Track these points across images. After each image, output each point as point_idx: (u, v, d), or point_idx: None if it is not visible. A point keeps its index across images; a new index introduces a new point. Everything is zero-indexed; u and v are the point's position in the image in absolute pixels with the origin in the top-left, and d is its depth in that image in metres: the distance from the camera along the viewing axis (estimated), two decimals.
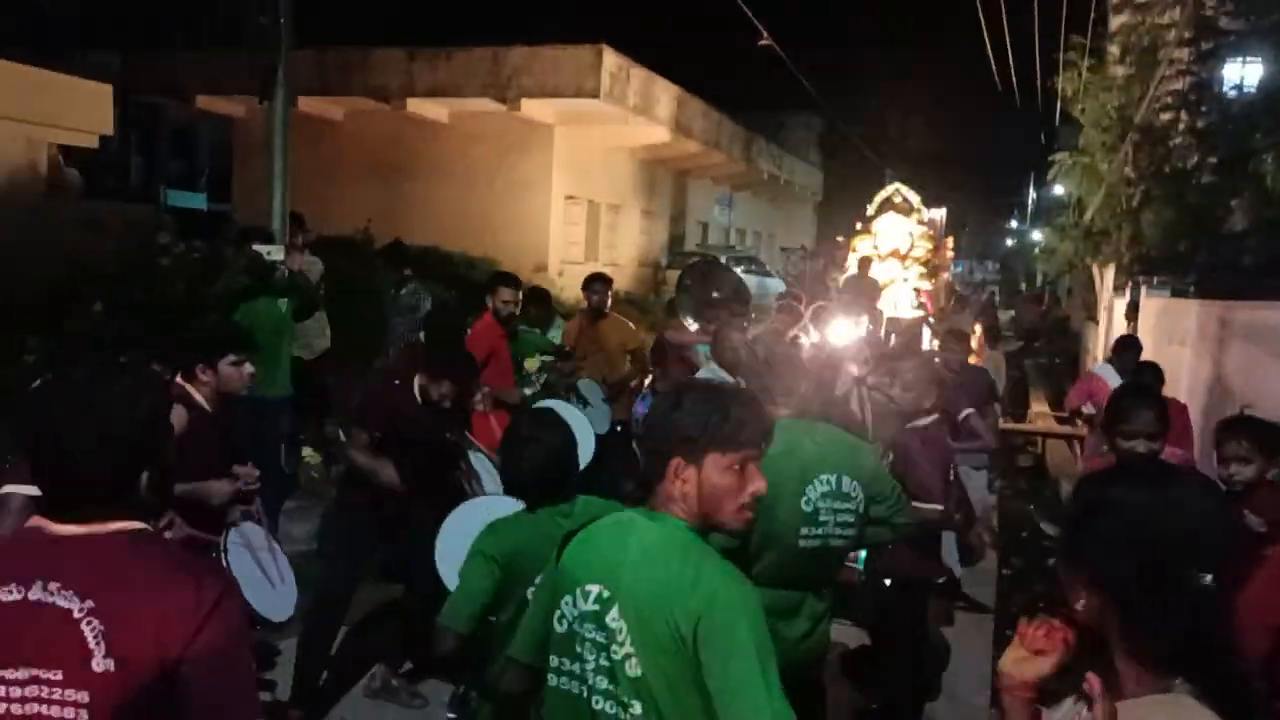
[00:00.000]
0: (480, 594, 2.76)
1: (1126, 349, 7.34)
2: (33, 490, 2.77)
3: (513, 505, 4.12)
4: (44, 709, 1.57)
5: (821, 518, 3.12)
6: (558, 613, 2.02)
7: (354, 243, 15.12)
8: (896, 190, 15.62)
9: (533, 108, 19.15)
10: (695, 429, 2.00)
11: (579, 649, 1.97)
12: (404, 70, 19.32)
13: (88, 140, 15.54)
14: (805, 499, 3.09)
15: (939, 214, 16.18)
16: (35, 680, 1.58)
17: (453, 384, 4.38)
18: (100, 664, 1.57)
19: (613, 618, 1.91)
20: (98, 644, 1.58)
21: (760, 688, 1.79)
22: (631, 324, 7.40)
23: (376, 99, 19.48)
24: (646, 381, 6.33)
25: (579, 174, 21.30)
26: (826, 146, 38.19)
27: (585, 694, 1.95)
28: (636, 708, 1.86)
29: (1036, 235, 28.45)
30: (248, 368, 3.79)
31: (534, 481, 2.89)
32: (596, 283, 7.07)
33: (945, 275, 15.85)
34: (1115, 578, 1.45)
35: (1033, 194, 44.42)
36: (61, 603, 1.59)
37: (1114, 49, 13.68)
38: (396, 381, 4.51)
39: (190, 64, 20.13)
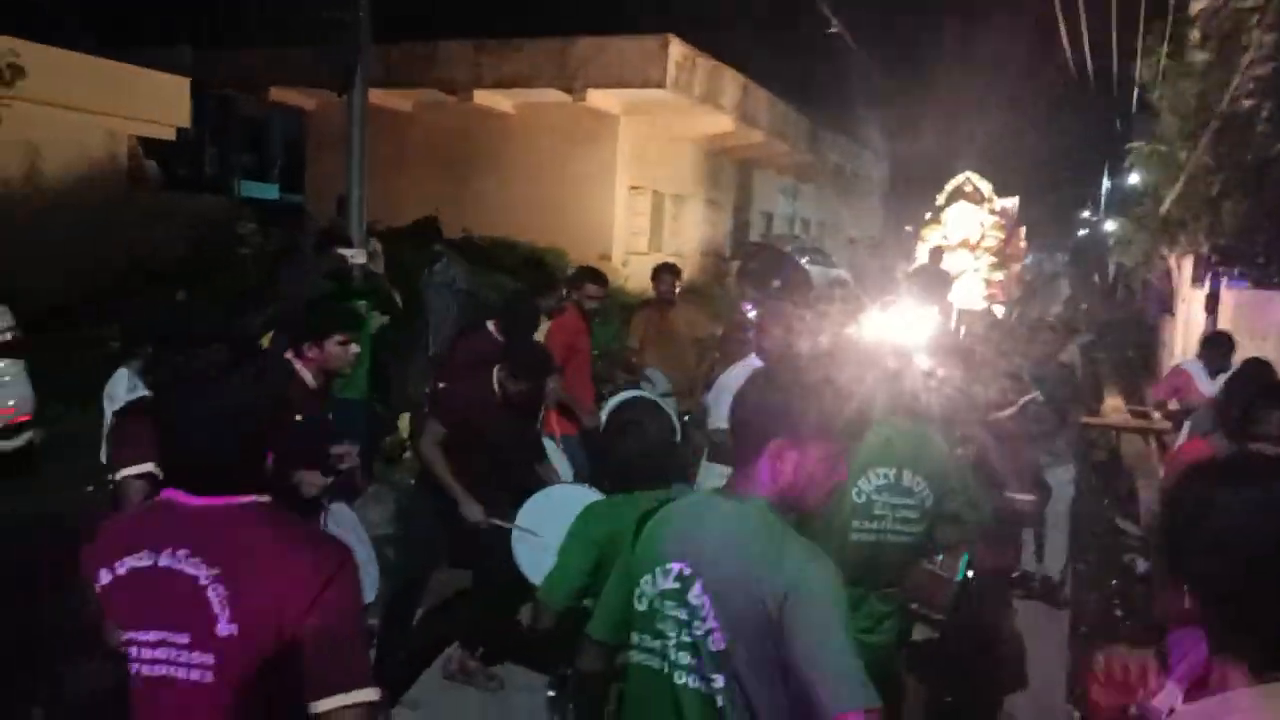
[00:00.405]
0: (577, 573, 2.83)
1: (1216, 345, 7.08)
2: (145, 468, 2.89)
3: (586, 492, 4.19)
4: (172, 670, 1.67)
5: (876, 511, 3.07)
6: (637, 591, 2.06)
7: (424, 222, 15.31)
8: (967, 179, 15.39)
9: (598, 98, 19.19)
10: (810, 413, 2.00)
11: (660, 626, 2.01)
12: (471, 62, 19.49)
13: (165, 133, 15.95)
14: (857, 490, 3.05)
15: (1011, 203, 15.90)
16: (164, 643, 1.67)
17: (533, 383, 4.41)
18: (225, 628, 1.67)
19: (695, 595, 1.94)
20: (222, 609, 1.67)
21: (852, 665, 1.81)
22: (700, 313, 7.40)
23: (444, 91, 19.68)
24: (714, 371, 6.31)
25: (643, 164, 21.31)
26: (894, 136, 37.73)
27: (667, 669, 1.99)
28: (719, 681, 1.90)
29: (1110, 226, 27.81)
30: (353, 348, 3.85)
31: (635, 468, 2.94)
32: (665, 272, 7.08)
33: (1017, 266, 15.57)
34: (1219, 576, 1.42)
35: (1106, 184, 43.40)
36: (189, 570, 1.69)
37: (1195, 34, 13.29)
38: (470, 374, 4.55)
39: (263, 57, 20.51)
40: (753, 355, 4.81)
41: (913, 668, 4.45)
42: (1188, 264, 14.22)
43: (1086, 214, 51.90)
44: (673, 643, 1.98)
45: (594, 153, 20.13)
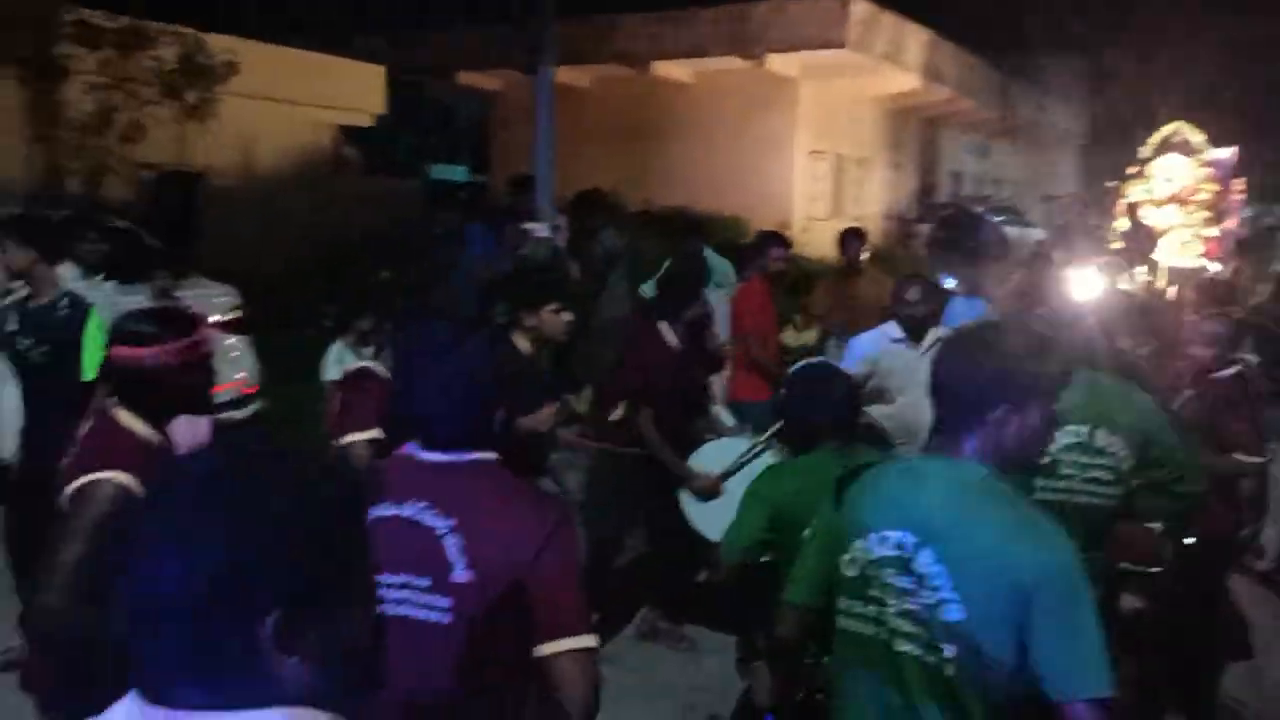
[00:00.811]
0: (751, 531, 2.92)
1: None
2: (370, 434, 3.13)
3: (746, 444, 4.31)
4: (415, 612, 1.83)
5: (1063, 470, 2.97)
6: (846, 557, 2.04)
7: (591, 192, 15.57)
8: (1177, 129, 14.37)
9: (778, 62, 18.96)
10: (1033, 378, 1.97)
11: (875, 593, 1.98)
12: (650, 34, 19.60)
13: (363, 120, 16.81)
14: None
15: (1227, 154, 14.75)
16: (407, 585, 1.84)
17: (695, 307, 4.54)
18: (460, 575, 1.83)
19: (924, 563, 1.90)
20: (458, 558, 1.83)
21: (1095, 650, 1.78)
22: (888, 279, 7.23)
23: (623, 64, 19.88)
24: None
25: (824, 128, 20.94)
26: (1094, 85, 35.59)
27: (883, 636, 1.97)
28: (948, 651, 1.86)
29: None
30: (566, 315, 3.95)
31: (816, 427, 2.97)
32: (852, 238, 6.96)
33: (1232, 221, 14.46)
34: None
35: None
36: (428, 520, 1.85)
37: None
38: (644, 335, 4.65)
39: (451, 43, 21.23)
40: (889, 323, 4.70)
41: (1124, 643, 4.24)
42: None
43: None
44: (892, 610, 1.95)
45: (773, 118, 19.92)
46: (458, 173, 29.37)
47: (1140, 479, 3.03)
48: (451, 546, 1.82)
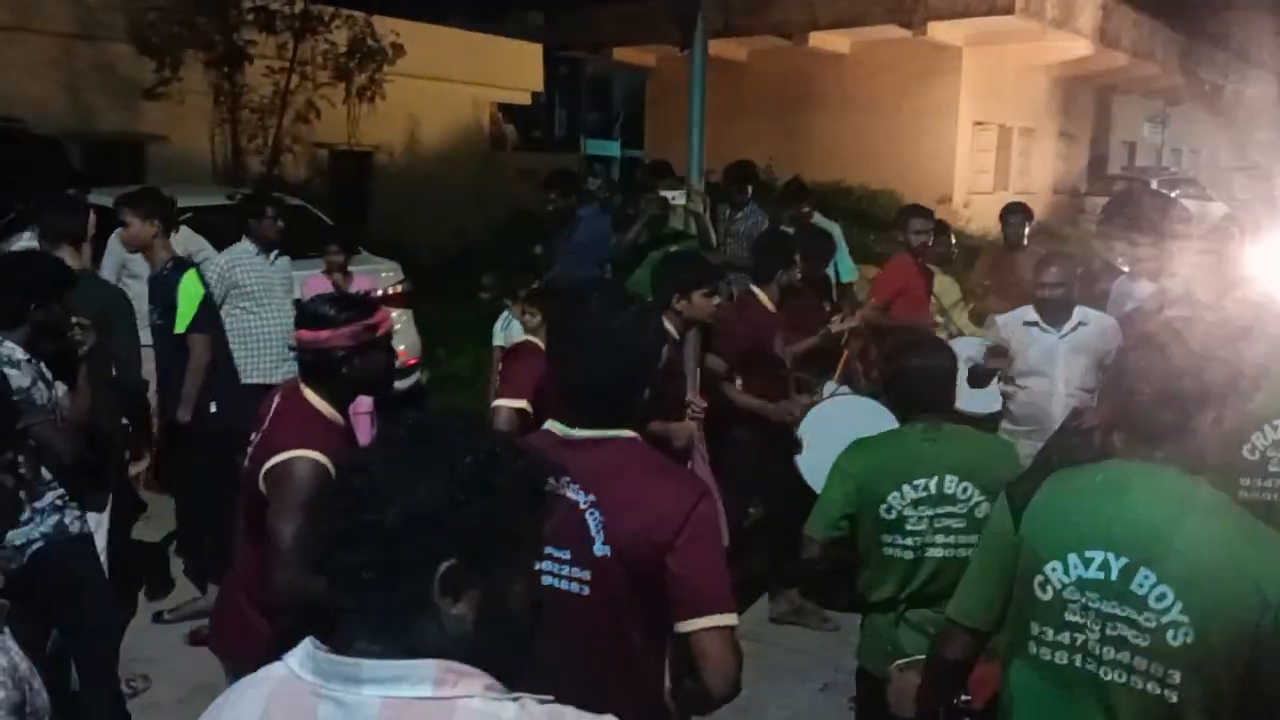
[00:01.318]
0: (836, 505, 2.89)
1: None
2: (519, 403, 3.23)
3: (871, 405, 4.38)
4: (555, 582, 1.88)
5: (1272, 468, 2.88)
6: (1039, 579, 1.88)
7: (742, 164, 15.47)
8: None
9: (940, 30, 18.37)
10: (1235, 377, 1.89)
11: (1075, 618, 1.85)
12: (807, 4, 19.28)
13: (521, 98, 17.16)
14: (1250, 446, 2.87)
15: None
16: (551, 557, 1.87)
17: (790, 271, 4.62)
18: (599, 549, 1.85)
19: (1142, 585, 1.77)
20: (598, 532, 1.86)
21: None
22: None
23: (780, 36, 19.63)
24: None
25: (989, 97, 20.19)
26: None
27: (1086, 664, 1.84)
28: (1175, 677, 1.75)
29: None
30: (716, 299, 3.98)
31: (916, 397, 2.93)
32: (1015, 213, 6.72)
33: None
34: None
35: None
36: (570, 494, 1.86)
37: None
38: (742, 310, 4.71)
39: (607, 18, 21.40)
40: (1028, 305, 4.56)
41: None
42: None
43: None
44: (1096, 636, 1.82)
45: (934, 89, 19.33)
46: (612, 148, 29.70)
47: None
48: (591, 522, 1.85)
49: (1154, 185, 19.53)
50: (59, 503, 3.11)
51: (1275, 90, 32.44)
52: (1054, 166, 23.38)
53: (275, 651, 1.16)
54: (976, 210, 18.15)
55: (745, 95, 20.23)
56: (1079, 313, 4.47)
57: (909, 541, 2.76)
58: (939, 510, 2.75)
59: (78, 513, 3.19)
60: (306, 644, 1.12)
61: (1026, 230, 6.64)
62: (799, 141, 19.12)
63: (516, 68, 16.25)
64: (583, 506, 1.87)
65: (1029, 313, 4.55)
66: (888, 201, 16.38)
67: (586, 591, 1.86)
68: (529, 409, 3.26)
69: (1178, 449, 1.85)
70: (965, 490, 2.74)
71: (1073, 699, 1.85)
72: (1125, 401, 1.94)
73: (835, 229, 6.82)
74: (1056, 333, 4.39)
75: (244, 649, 2.37)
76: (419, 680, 1.07)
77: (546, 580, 1.86)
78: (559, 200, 6.58)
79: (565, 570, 1.88)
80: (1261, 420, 2.83)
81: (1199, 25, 25.49)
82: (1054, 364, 4.37)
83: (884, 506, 2.77)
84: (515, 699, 1.11)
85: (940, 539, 2.75)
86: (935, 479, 2.75)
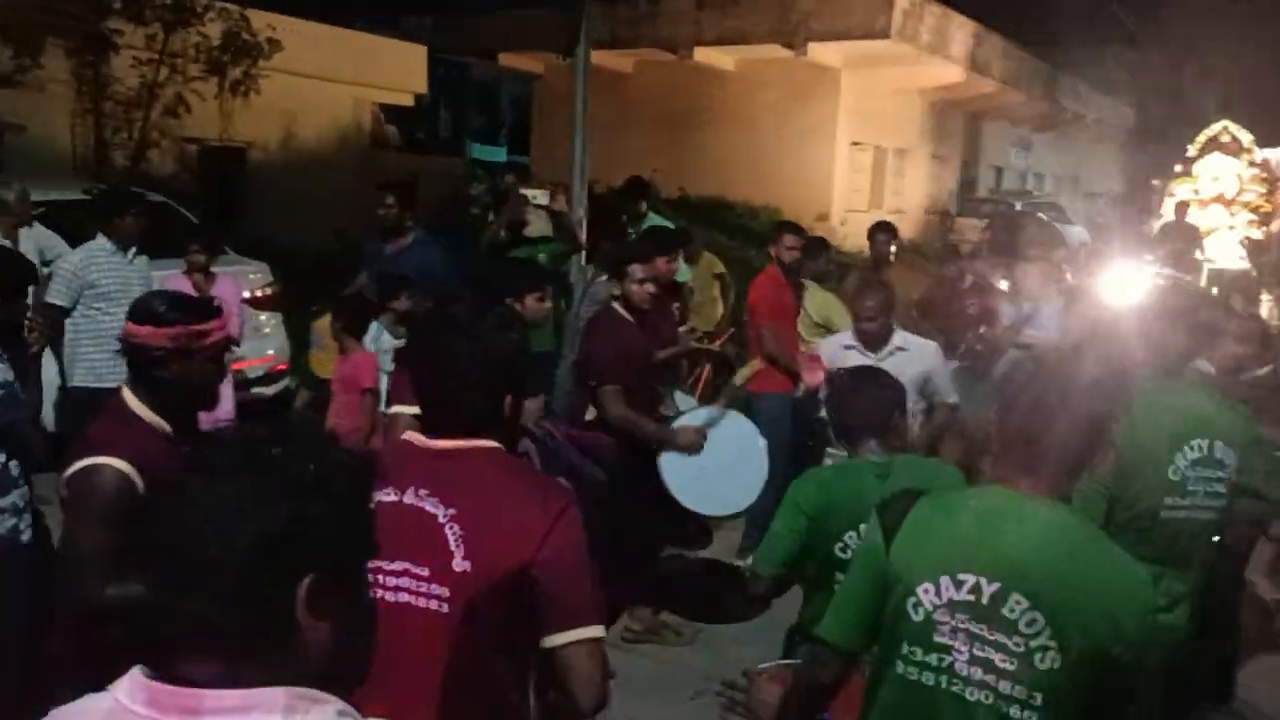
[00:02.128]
0: (785, 540, 2.87)
1: None
2: (417, 410, 3.14)
3: (705, 414, 4.47)
4: (412, 599, 1.80)
5: (1190, 487, 2.97)
6: (911, 600, 1.88)
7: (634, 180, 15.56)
8: (1225, 128, 14.13)
9: (820, 51, 18.81)
10: (1111, 410, 1.93)
11: (944, 639, 1.85)
12: (692, 20, 19.51)
13: (404, 99, 16.87)
14: (1174, 468, 2.96)
15: (1275, 154, 14.49)
16: (407, 573, 1.80)
17: (648, 265, 4.41)
18: (459, 564, 1.78)
19: (1014, 609, 1.79)
20: (457, 547, 1.78)
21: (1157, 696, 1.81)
22: (918, 273, 7.18)
23: (665, 50, 19.81)
24: None
25: (865, 119, 20.76)
26: (1142, 80, 35.00)
27: (953, 684, 1.85)
28: (1037, 699, 1.78)
29: None
30: (547, 304, 3.98)
31: (855, 430, 2.95)
32: (881, 231, 6.91)
33: (1278, 223, 14.21)
34: None
35: None
36: (429, 507, 1.81)
37: None
38: (602, 323, 4.55)
39: (495, 23, 21.25)
40: (849, 330, 4.69)
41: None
42: None
43: None
44: (964, 658, 1.83)
45: (814, 108, 19.79)
46: (498, 153, 29.48)
47: (1237, 485, 3.04)
48: (450, 536, 1.78)
49: (1019, 208, 20.38)
50: (20, 504, 2.86)
51: (1131, 120, 34.28)
52: (926, 187, 24.18)
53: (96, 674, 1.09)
54: (853, 228, 18.60)
55: (631, 107, 20.34)
56: (899, 338, 4.59)
57: None
58: None
59: (30, 519, 2.95)
60: (135, 673, 1.04)
61: (892, 248, 6.83)
62: (684, 155, 19.32)
63: (400, 68, 15.98)
64: (442, 520, 1.80)
65: (848, 337, 4.70)
66: (769, 218, 16.67)
67: (446, 609, 1.78)
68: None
69: (1052, 476, 1.87)
70: None
71: (937, 718, 1.86)
72: (1000, 427, 1.96)
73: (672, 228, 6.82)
74: (874, 356, 4.43)
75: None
76: (268, 710, 1.01)
77: (404, 598, 1.79)
78: (394, 210, 6.07)
79: (424, 587, 1.79)
80: (1183, 440, 2.93)
81: (1063, 56, 26.75)
82: None
83: (839, 545, 2.77)
84: None
85: None
86: None
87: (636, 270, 4.38)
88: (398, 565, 1.80)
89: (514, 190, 6.24)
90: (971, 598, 1.82)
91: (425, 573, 1.79)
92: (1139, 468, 2.90)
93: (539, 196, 6.13)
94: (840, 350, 4.60)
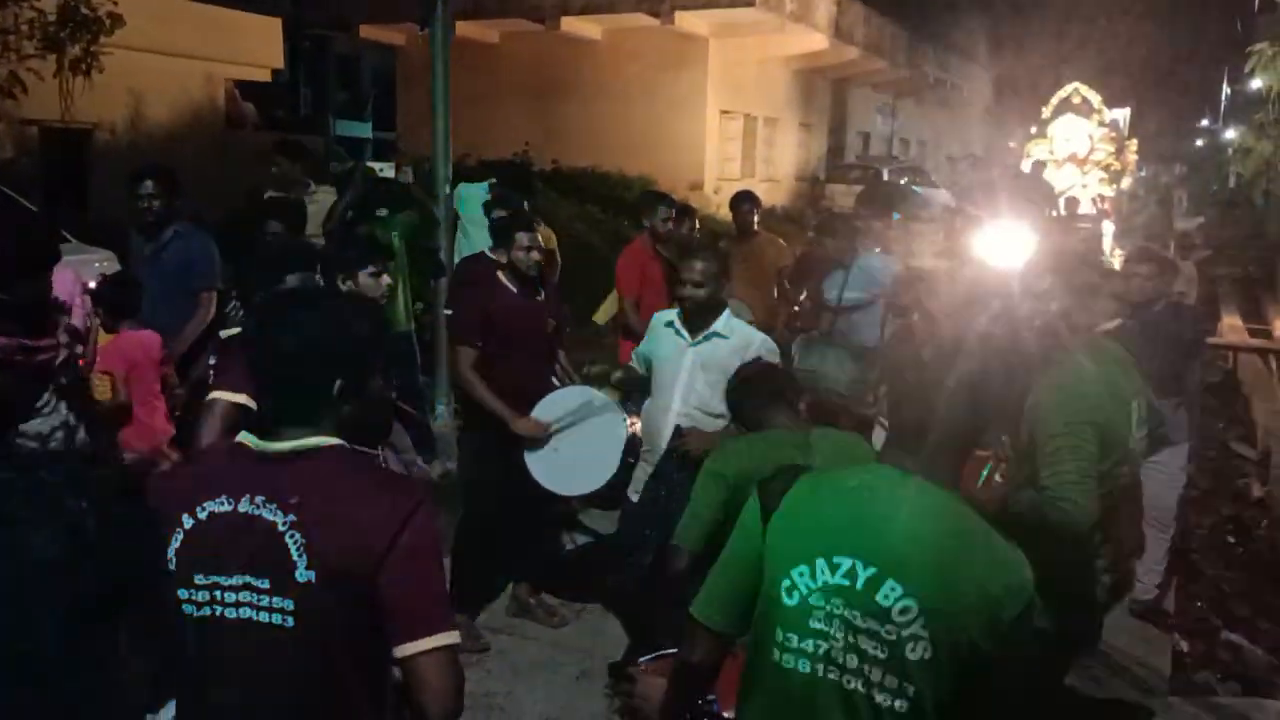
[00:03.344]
0: (708, 512, 2.82)
1: None
2: (239, 398, 2.96)
3: (580, 395, 4.31)
4: (254, 615, 1.68)
5: (1134, 449, 2.91)
6: (785, 582, 1.80)
7: (513, 166, 15.33)
8: (1075, 90, 14.72)
9: (687, 20, 18.83)
10: (1005, 396, 1.89)
11: (819, 625, 1.78)
12: None
13: (260, 75, 16.22)
14: (1132, 437, 2.88)
15: (1121, 114, 15.20)
16: (247, 587, 1.68)
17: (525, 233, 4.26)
18: (302, 575, 1.66)
19: (888, 596, 1.72)
20: (300, 555, 1.67)
21: (1029, 690, 1.78)
22: (782, 241, 7.22)
23: (531, 20, 19.54)
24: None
25: (734, 88, 20.92)
26: (998, 45, 36.23)
27: (829, 672, 1.78)
28: (910, 690, 1.72)
29: (1230, 135, 26.34)
30: (385, 279, 3.84)
31: (758, 414, 2.94)
32: (743, 201, 6.93)
33: (1128, 181, 14.91)
34: None
35: (1226, 90, 41.13)
36: (267, 515, 1.69)
37: None
38: (475, 281, 4.43)
39: None
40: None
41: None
42: None
43: (1205, 123, 49.40)
44: (839, 645, 1.76)
45: (684, 77, 19.83)
46: (364, 129, 28.71)
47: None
48: (292, 544, 1.67)
49: (885, 173, 20.89)
50: None
51: (989, 85, 35.46)
52: (796, 155, 24.55)
53: None
54: (726, 196, 18.75)
55: (498, 79, 20.03)
56: (724, 322, 3.87)
57: None
58: None
59: None
60: None
61: (755, 217, 6.84)
62: (556, 127, 19.14)
63: (254, 43, 15.34)
64: (281, 528, 1.67)
65: (671, 313, 4.02)
66: (643, 188, 16.65)
67: (291, 623, 1.67)
68: (252, 405, 3.00)
69: (938, 456, 1.80)
70: None
71: (814, 708, 1.79)
72: (890, 405, 1.91)
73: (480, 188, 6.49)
74: (689, 340, 3.86)
75: None
76: None
77: (245, 613, 1.68)
78: (159, 199, 5.07)
79: (265, 601, 1.67)
80: (1129, 407, 2.78)
81: (923, 23, 27.47)
82: (676, 376, 3.86)
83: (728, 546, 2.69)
84: None
85: None
86: None
87: (522, 238, 4.26)
88: (236, 580, 1.68)
89: (359, 166, 5.99)
90: (846, 582, 1.75)
91: (265, 584, 1.67)
92: (1113, 445, 2.77)
93: (384, 169, 5.90)
94: (662, 327, 4.02)
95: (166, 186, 5.08)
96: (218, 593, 1.68)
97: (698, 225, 6.95)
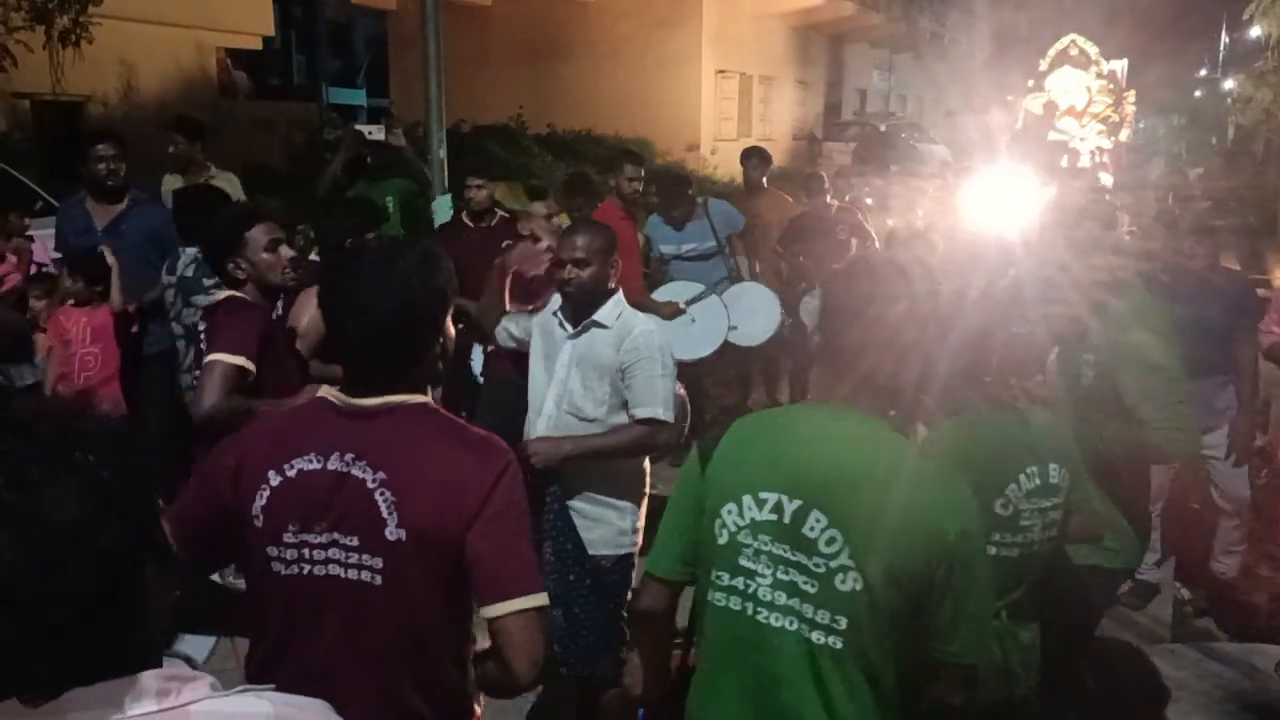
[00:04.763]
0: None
1: None
2: (238, 360, 2.96)
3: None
4: (341, 571, 1.67)
5: (1024, 521, 2.49)
6: (717, 522, 1.80)
7: (508, 130, 15.24)
8: (1072, 41, 14.58)
9: None
10: (931, 319, 1.83)
11: (747, 563, 1.77)
12: None
13: (251, 42, 16.08)
14: (1004, 501, 2.43)
15: (1119, 65, 15.04)
16: (335, 544, 1.67)
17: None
18: (393, 533, 1.65)
19: (814, 528, 1.70)
20: (390, 514, 1.65)
21: (986, 627, 1.74)
22: (789, 199, 7.22)
23: None
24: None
25: (730, 46, 20.73)
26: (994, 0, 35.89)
27: (755, 611, 1.76)
28: (841, 623, 1.69)
29: (1229, 84, 26.12)
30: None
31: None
32: (752, 157, 6.93)
33: (1126, 133, 14.81)
34: None
35: (1225, 39, 40.73)
36: (357, 473, 1.67)
37: None
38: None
39: None
40: None
41: None
42: None
43: (1204, 73, 49.00)
44: (767, 582, 1.74)
45: (677, 36, 19.64)
46: (358, 95, 28.46)
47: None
48: (382, 502, 1.65)
49: (883, 129, 20.75)
50: None
51: (987, 37, 35.12)
52: (793, 113, 24.38)
53: None
54: (723, 157, 18.70)
55: (491, 43, 19.86)
56: (608, 310, 3.22)
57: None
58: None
59: None
60: None
61: (764, 173, 6.86)
62: (550, 90, 18.99)
63: (243, 10, 15.19)
64: (371, 485, 1.66)
65: (559, 300, 3.36)
66: (640, 150, 16.56)
67: (379, 581, 1.66)
68: (250, 367, 2.99)
69: (872, 390, 1.77)
70: None
71: (745, 647, 1.77)
72: (823, 339, 1.88)
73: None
74: (569, 331, 3.25)
75: None
76: (137, 696, 0.98)
77: (333, 570, 1.66)
78: (118, 162, 4.94)
79: (354, 558, 1.66)
80: (1016, 470, 2.31)
81: None
82: (553, 374, 3.28)
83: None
84: (241, 691, 1.06)
85: None
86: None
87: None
88: (324, 537, 1.67)
89: (350, 129, 5.93)
90: (774, 517, 1.74)
91: (354, 542, 1.66)
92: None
93: (374, 132, 5.80)
94: (549, 315, 3.34)
95: (122, 151, 4.97)
96: (306, 550, 1.68)
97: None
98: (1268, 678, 3.86)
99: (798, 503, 1.71)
